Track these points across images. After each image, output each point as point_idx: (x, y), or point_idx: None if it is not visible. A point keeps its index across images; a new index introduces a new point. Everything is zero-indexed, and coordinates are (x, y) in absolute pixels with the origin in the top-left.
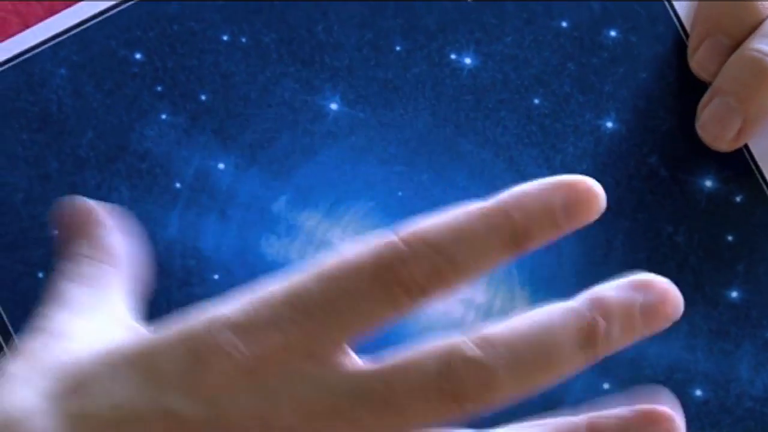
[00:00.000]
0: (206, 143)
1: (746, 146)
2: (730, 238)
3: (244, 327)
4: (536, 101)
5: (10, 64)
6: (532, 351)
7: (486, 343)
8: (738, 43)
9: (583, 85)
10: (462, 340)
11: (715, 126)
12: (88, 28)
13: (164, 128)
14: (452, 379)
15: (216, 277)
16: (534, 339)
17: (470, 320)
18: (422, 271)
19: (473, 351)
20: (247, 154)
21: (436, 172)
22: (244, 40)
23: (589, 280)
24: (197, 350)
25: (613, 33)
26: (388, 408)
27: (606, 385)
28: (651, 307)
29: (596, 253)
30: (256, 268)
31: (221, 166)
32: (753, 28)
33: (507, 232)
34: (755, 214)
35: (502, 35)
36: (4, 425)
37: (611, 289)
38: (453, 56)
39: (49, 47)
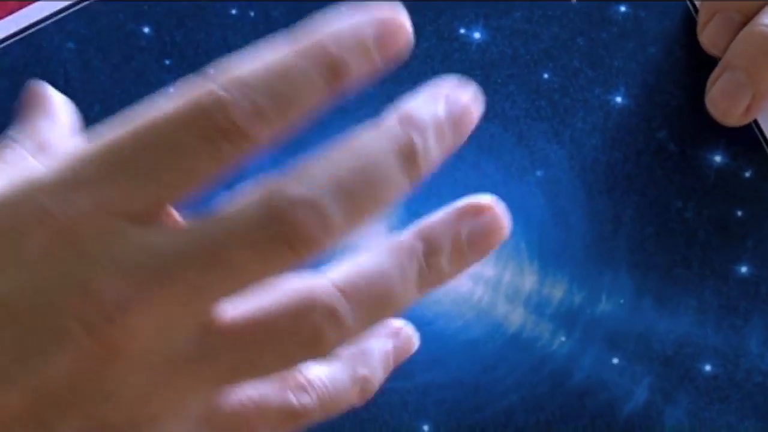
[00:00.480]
0: None
1: (756, 121)
2: (739, 213)
3: (56, 189)
4: (545, 76)
5: (18, 37)
6: (353, 172)
7: (305, 174)
8: (748, 19)
9: (593, 59)
10: (280, 178)
11: (724, 101)
12: (95, 1)
13: None
14: (280, 221)
15: None
16: (351, 159)
17: (479, 295)
18: (241, 112)
19: (297, 189)
20: None
21: None
22: (252, 14)
23: (598, 254)
24: (10, 219)
25: (622, 8)
26: (216, 264)
27: (615, 360)
28: (455, 116)
29: (605, 228)
30: None
31: None
32: (763, 4)
33: (324, 64)
34: (764, 189)
35: (511, 9)
36: None
37: (417, 102)
38: (462, 30)
39: (57, 21)
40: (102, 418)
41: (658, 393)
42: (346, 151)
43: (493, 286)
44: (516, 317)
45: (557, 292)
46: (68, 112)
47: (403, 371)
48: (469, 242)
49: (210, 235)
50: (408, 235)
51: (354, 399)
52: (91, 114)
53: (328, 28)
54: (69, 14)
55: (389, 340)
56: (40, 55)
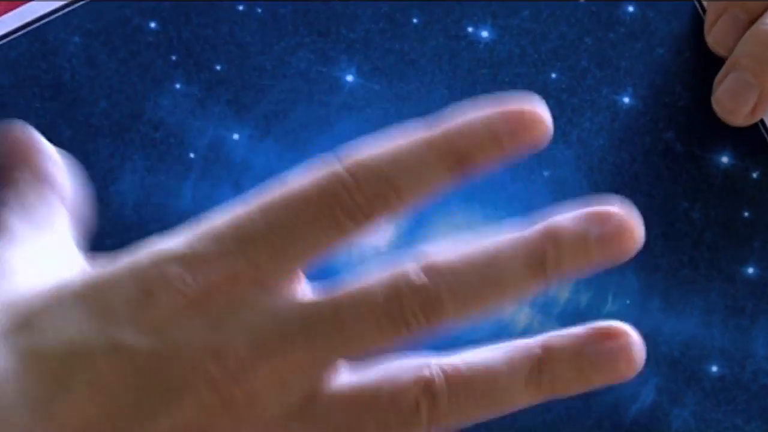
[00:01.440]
0: (221, 113)
1: (762, 121)
2: (746, 214)
3: (190, 259)
4: (553, 76)
5: (24, 31)
6: (477, 274)
7: (432, 270)
8: (754, 18)
9: (600, 60)
10: (410, 267)
11: (730, 101)
12: None
13: (178, 98)
14: (399, 304)
15: None
16: (480, 263)
17: None
18: (366, 197)
19: (419, 277)
20: (261, 125)
21: None
22: (259, 10)
23: None
24: (144, 283)
25: (630, 8)
26: (337, 334)
27: None
28: (606, 237)
29: None
30: None
31: (236, 136)
32: None
33: (449, 155)
34: None
35: (519, 9)
36: None
37: (565, 219)
38: (470, 29)
39: (63, 15)
40: None
41: (664, 394)
42: (478, 248)
43: None
44: (522, 318)
45: (563, 292)
46: (51, 148)
47: None
48: (591, 362)
49: (336, 308)
50: (530, 340)
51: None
52: (96, 110)
53: (460, 119)
54: (75, 9)
55: None
56: (45, 50)
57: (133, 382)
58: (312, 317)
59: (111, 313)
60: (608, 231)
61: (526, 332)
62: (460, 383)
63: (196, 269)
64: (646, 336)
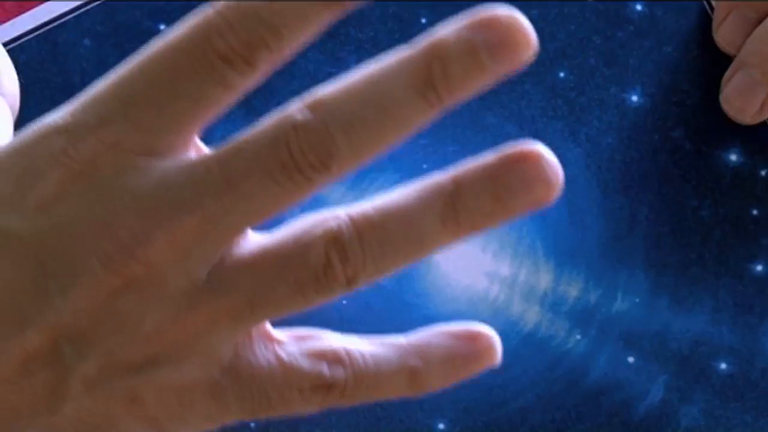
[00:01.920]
0: (230, 115)
1: None
2: (755, 211)
3: (72, 129)
4: (561, 74)
5: (34, 34)
6: (361, 102)
7: (316, 104)
8: (763, 17)
9: (609, 58)
10: (294, 107)
11: (738, 99)
12: None
13: None
14: (286, 146)
15: None
16: (364, 90)
17: (494, 294)
18: (240, 39)
19: (303, 115)
20: None
21: (461, 144)
22: None
23: (614, 253)
24: (29, 161)
25: (638, 6)
26: (228, 192)
27: (631, 359)
28: (495, 42)
29: (620, 227)
30: None
31: None
32: None
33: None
34: None
35: (527, 8)
36: None
37: (448, 30)
38: None
39: (74, 18)
40: (120, 353)
41: (673, 392)
42: (363, 76)
43: (508, 285)
44: (532, 316)
45: (573, 290)
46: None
47: None
48: (506, 188)
49: (223, 164)
50: (437, 175)
51: (401, 389)
52: None
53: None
54: (86, 11)
55: (461, 343)
56: (56, 52)
57: (25, 269)
58: (200, 177)
59: None
60: (496, 36)
61: (535, 331)
62: (371, 230)
63: (78, 139)
64: (655, 333)
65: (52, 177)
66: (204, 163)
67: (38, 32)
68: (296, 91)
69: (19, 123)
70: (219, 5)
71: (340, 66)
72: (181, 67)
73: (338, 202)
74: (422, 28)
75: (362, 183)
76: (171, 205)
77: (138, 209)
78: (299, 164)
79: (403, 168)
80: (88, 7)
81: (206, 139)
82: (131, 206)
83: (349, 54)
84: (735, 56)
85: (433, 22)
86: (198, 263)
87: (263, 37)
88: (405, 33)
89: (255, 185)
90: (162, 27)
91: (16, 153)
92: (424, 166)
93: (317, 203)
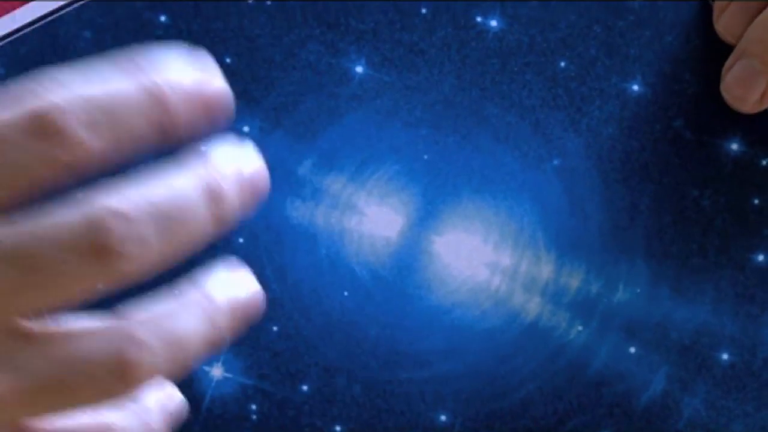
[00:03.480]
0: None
1: None
2: (756, 201)
3: None
4: (562, 64)
5: (35, 26)
6: (171, 206)
7: (123, 191)
8: (764, 5)
9: (609, 48)
10: (99, 191)
11: (739, 88)
12: None
13: None
14: (97, 228)
15: (241, 240)
16: (170, 195)
17: (496, 284)
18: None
19: (117, 201)
20: (271, 117)
21: (461, 135)
22: (269, 2)
23: (615, 243)
24: None
25: None
26: (36, 264)
27: (632, 349)
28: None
29: (621, 216)
30: (280, 232)
31: (246, 128)
32: None
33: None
34: None
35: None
36: None
37: (219, 154)
38: (479, 19)
39: (74, 10)
40: None
41: (675, 382)
42: (159, 180)
43: (510, 276)
44: (533, 306)
45: (574, 281)
46: None
47: (420, 361)
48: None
49: (28, 235)
50: None
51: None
52: None
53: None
54: (86, 3)
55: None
56: (57, 44)
57: None
58: (5, 244)
59: None
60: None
61: (537, 322)
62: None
63: None
64: (656, 324)
65: None
66: (11, 232)
67: (38, 24)
68: (297, 82)
69: None
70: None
71: (340, 56)
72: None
73: (339, 194)
74: (423, 19)
75: (363, 174)
76: None
77: None
78: (107, 249)
79: (404, 159)
80: None
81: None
82: None
83: (349, 44)
84: (736, 45)
85: (433, 12)
86: None
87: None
88: (405, 23)
89: (63, 264)
90: (162, 18)
91: None
92: (425, 156)
93: (316, 194)
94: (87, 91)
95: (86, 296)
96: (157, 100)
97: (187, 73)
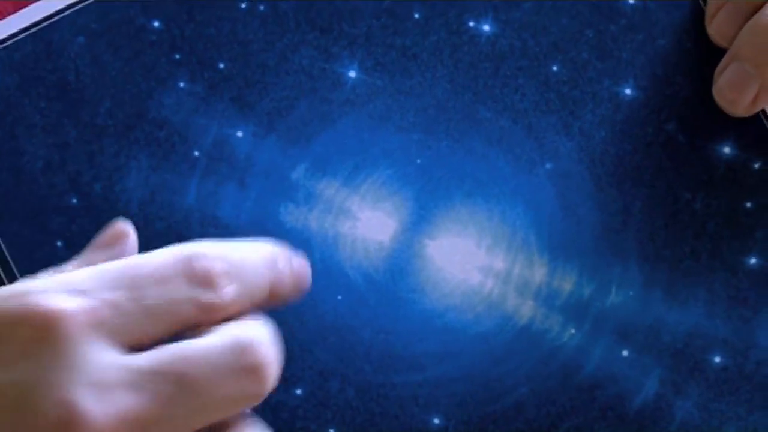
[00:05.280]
0: (224, 111)
1: (764, 112)
2: (748, 204)
3: (44, 293)
4: (554, 68)
5: (29, 32)
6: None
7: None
8: (756, 9)
9: (602, 51)
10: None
11: (731, 91)
12: None
13: (182, 96)
14: (248, 354)
15: None
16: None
17: (489, 288)
18: (218, 269)
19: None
20: (265, 121)
21: (454, 139)
22: (262, 7)
23: (608, 246)
24: (7, 317)
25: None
26: (187, 385)
27: (625, 352)
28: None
29: (614, 220)
30: (275, 237)
31: (239, 134)
32: None
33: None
34: None
35: (520, 2)
36: None
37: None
38: (471, 23)
39: (67, 15)
40: None
41: (668, 385)
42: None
43: (503, 279)
44: (526, 310)
45: (567, 284)
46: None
47: (413, 365)
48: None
49: (185, 358)
50: None
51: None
52: (101, 109)
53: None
54: (79, 9)
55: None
56: (50, 50)
57: None
58: (158, 380)
59: None
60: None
61: (530, 325)
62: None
63: (50, 296)
64: (649, 327)
65: (18, 334)
66: (164, 355)
67: (32, 30)
68: (290, 87)
69: (17, 121)
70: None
71: (333, 61)
72: (166, 282)
73: (332, 199)
74: (415, 24)
75: (356, 179)
76: (127, 388)
77: (96, 389)
78: (257, 367)
79: (397, 163)
80: (82, 4)
81: (199, 139)
82: (88, 385)
83: (342, 49)
84: (728, 49)
85: (426, 17)
86: None
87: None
88: (398, 29)
89: (210, 385)
90: (156, 24)
91: None
92: (418, 161)
93: (309, 199)
94: (225, 251)
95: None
96: (273, 265)
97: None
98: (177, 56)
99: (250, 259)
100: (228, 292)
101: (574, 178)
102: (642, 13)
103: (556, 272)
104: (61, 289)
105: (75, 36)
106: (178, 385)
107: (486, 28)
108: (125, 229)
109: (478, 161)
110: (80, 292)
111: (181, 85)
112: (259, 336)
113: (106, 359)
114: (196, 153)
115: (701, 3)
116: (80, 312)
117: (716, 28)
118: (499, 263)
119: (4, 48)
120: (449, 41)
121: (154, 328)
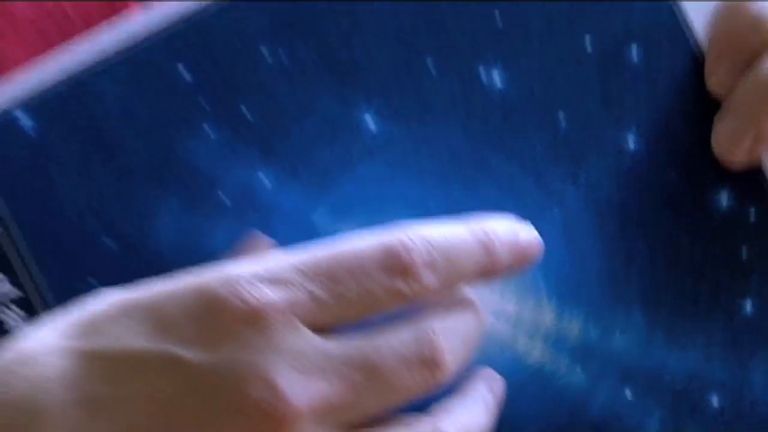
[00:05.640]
0: (249, 156)
1: (761, 164)
2: (744, 251)
3: (252, 283)
4: (561, 118)
5: (61, 78)
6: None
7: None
8: (753, 61)
9: (606, 103)
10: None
11: (727, 143)
12: (136, 44)
13: (210, 142)
14: (429, 346)
15: None
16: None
17: (499, 330)
18: (420, 258)
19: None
20: (287, 167)
21: (467, 186)
22: (285, 60)
23: (612, 291)
24: (206, 300)
25: (634, 51)
26: (376, 371)
27: (628, 393)
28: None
29: (618, 266)
30: None
31: (264, 179)
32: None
33: (485, 246)
34: None
35: (528, 54)
36: (21, 361)
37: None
38: (482, 74)
39: (100, 62)
40: None
41: (669, 425)
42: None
43: (513, 322)
44: (535, 351)
45: (574, 327)
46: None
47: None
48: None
49: (374, 348)
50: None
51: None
52: (133, 155)
53: (493, 223)
54: (112, 56)
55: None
56: (84, 97)
57: (186, 399)
58: (353, 353)
59: (171, 326)
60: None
61: (539, 366)
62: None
63: (255, 292)
64: (651, 369)
65: (225, 318)
66: (355, 344)
67: (65, 77)
68: (310, 133)
69: (54, 166)
70: (408, 230)
71: (352, 109)
72: (365, 267)
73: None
74: (429, 75)
75: (374, 223)
76: (325, 373)
77: (298, 369)
78: (435, 359)
79: (413, 208)
80: (114, 51)
81: (222, 179)
82: (293, 365)
83: (361, 99)
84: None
85: (440, 70)
86: (333, 426)
87: (437, 264)
88: (414, 80)
89: (401, 374)
90: (185, 74)
91: (191, 289)
92: (433, 206)
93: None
94: (430, 235)
95: (406, 401)
96: (486, 248)
97: (506, 227)
98: (204, 104)
99: (456, 244)
100: (428, 282)
101: (581, 226)
102: (645, 64)
103: (563, 316)
104: (267, 279)
105: (108, 84)
106: (367, 373)
107: (496, 78)
108: (265, 239)
109: (490, 207)
110: (285, 282)
111: (208, 130)
112: (446, 330)
113: (303, 344)
114: (223, 197)
115: (702, 56)
116: (285, 304)
117: (715, 81)
118: (510, 306)
119: (42, 94)
120: (462, 92)
121: (348, 315)
